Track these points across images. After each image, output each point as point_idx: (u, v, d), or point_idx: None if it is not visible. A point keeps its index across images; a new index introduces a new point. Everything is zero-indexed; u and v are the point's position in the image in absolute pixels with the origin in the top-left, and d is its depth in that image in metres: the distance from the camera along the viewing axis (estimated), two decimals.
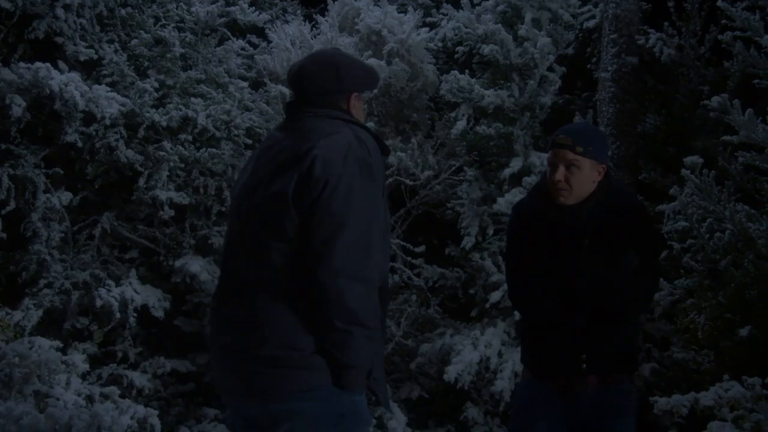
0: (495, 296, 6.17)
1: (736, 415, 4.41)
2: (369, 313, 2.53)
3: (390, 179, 6.57)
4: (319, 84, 2.76)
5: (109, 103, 5.94)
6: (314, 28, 7.30)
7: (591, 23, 7.37)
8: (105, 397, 5.06)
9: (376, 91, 6.33)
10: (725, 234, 5.29)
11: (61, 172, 6.13)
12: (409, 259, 6.71)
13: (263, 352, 2.54)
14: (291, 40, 6.98)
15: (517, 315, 5.66)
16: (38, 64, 5.73)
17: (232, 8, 7.07)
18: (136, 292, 6.06)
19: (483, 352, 6.02)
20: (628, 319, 3.15)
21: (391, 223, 2.85)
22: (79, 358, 5.40)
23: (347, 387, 2.55)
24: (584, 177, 3.08)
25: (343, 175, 2.52)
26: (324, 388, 2.53)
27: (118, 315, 5.90)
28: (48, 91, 5.72)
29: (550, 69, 6.76)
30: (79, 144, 6.04)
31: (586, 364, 3.03)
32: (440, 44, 7.66)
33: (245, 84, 6.97)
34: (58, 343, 5.34)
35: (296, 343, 2.52)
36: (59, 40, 6.20)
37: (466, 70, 6.92)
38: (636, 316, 3.37)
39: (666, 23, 6.85)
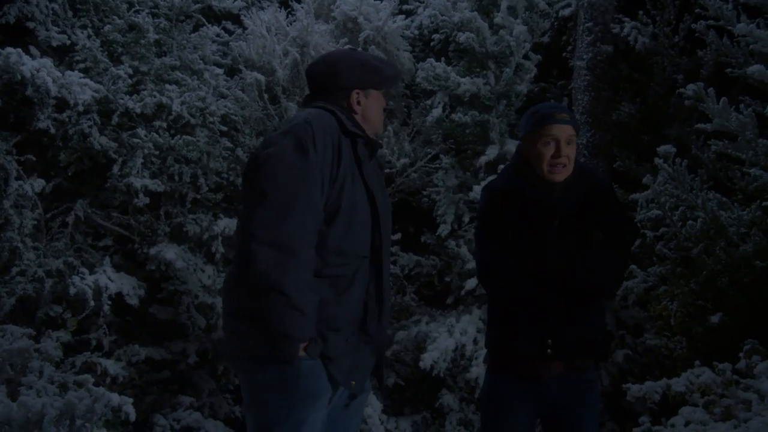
0: (470, 283, 6.20)
1: (707, 400, 4.47)
2: (285, 280, 2.52)
3: None
4: (315, 82, 2.98)
5: (82, 89, 5.88)
6: (290, 15, 7.25)
7: (566, 11, 7.39)
8: (79, 385, 5.02)
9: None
10: (697, 222, 5.34)
11: (34, 158, 6.06)
12: None
13: (226, 323, 2.74)
14: (266, 27, 6.94)
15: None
16: (9, 49, 5.65)
17: None
18: (111, 280, 6.02)
19: (458, 339, 6.06)
20: (594, 304, 3.13)
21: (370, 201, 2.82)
22: (52, 346, 5.36)
23: (277, 355, 2.57)
24: (575, 153, 3.11)
25: (274, 151, 2.65)
26: (265, 354, 2.60)
27: (92, 303, 5.86)
28: (19, 77, 5.64)
29: (526, 57, 6.77)
30: (52, 130, 5.98)
31: (552, 350, 3.01)
32: (416, 32, 7.64)
33: (220, 71, 6.92)
34: (31, 331, 5.30)
35: (244, 313, 2.62)
36: (31, 25, 6.13)
37: (442, 58, 6.93)
38: (606, 296, 3.38)
39: (641, 12, 6.89)
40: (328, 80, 2.92)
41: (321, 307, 2.64)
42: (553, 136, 3.03)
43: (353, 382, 2.74)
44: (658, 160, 5.40)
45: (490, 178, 6.26)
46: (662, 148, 5.43)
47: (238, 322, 2.64)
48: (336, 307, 2.68)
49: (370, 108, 2.95)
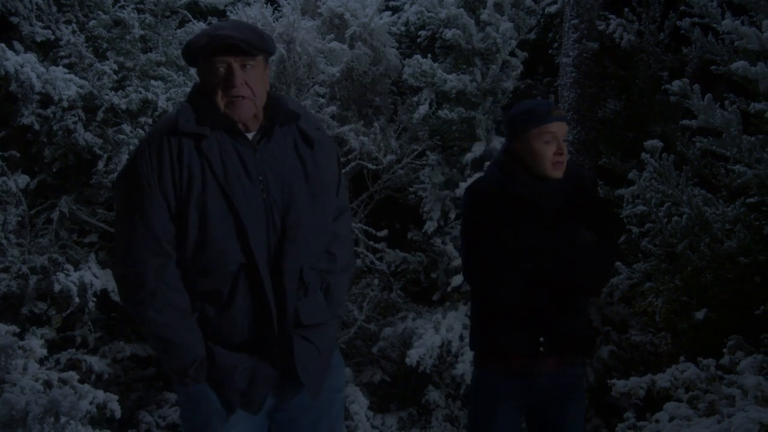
0: (456, 280, 6.21)
1: (691, 396, 4.49)
2: (144, 313, 2.45)
3: (352, 164, 6.56)
4: None
5: (67, 85, 5.85)
6: (276, 11, 7.23)
7: (552, 8, 7.42)
8: (63, 382, 4.98)
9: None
10: (683, 218, 5.36)
11: (18, 154, 6.03)
12: (371, 243, 6.71)
13: None
14: (252, 23, 6.92)
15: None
16: None
17: None
18: (96, 277, 5.98)
19: (444, 335, 6.06)
20: (582, 300, 3.15)
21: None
22: (36, 343, 5.31)
23: (172, 379, 2.58)
24: None
25: (118, 174, 2.60)
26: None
27: (77, 300, 5.82)
28: (3, 72, 5.61)
29: (512, 54, 6.78)
30: (36, 126, 5.95)
31: (544, 347, 3.02)
32: (403, 28, 7.65)
33: None
34: (15, 328, 5.24)
35: None
36: (14, 20, 6.09)
37: (429, 55, 6.92)
38: (594, 294, 3.35)
39: (626, 9, 6.93)
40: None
41: (206, 323, 2.49)
42: (554, 134, 3.01)
43: (249, 403, 2.53)
44: (644, 155, 5.42)
45: (477, 174, 6.27)
46: (649, 143, 5.45)
47: None
48: (222, 322, 2.49)
49: (206, 82, 2.51)
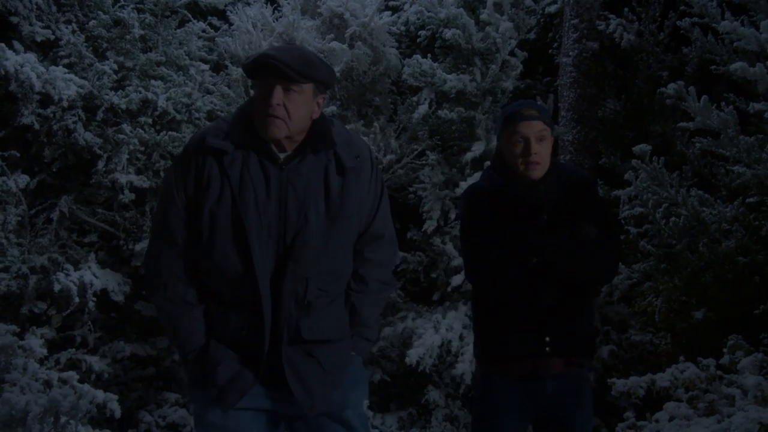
0: (456, 280, 6.21)
1: (691, 396, 4.49)
2: (161, 304, 2.62)
3: None
4: None
5: (67, 84, 5.85)
6: (276, 11, 7.24)
7: (552, 8, 7.42)
8: (63, 382, 4.99)
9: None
10: (680, 219, 5.36)
11: (17, 154, 6.04)
12: None
13: None
14: (252, 23, 6.92)
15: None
16: None
17: None
18: (96, 276, 6.00)
19: (444, 335, 6.06)
20: (586, 300, 3.12)
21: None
22: (36, 343, 5.32)
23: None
24: (549, 148, 3.07)
25: None
26: None
27: (76, 299, 5.84)
28: (3, 72, 5.62)
29: (512, 53, 6.77)
30: (36, 126, 5.96)
31: (550, 347, 2.97)
32: (403, 28, 7.64)
33: (206, 67, 6.90)
34: (15, 328, 5.26)
35: None
36: (14, 19, 6.09)
37: (429, 54, 6.92)
38: (603, 284, 3.29)
39: (626, 9, 6.93)
40: None
41: (209, 316, 2.59)
42: (522, 134, 3.01)
43: (223, 399, 2.54)
44: (635, 161, 5.42)
45: (477, 174, 6.28)
46: (638, 148, 5.44)
47: None
48: (221, 319, 2.58)
49: (252, 100, 2.62)
